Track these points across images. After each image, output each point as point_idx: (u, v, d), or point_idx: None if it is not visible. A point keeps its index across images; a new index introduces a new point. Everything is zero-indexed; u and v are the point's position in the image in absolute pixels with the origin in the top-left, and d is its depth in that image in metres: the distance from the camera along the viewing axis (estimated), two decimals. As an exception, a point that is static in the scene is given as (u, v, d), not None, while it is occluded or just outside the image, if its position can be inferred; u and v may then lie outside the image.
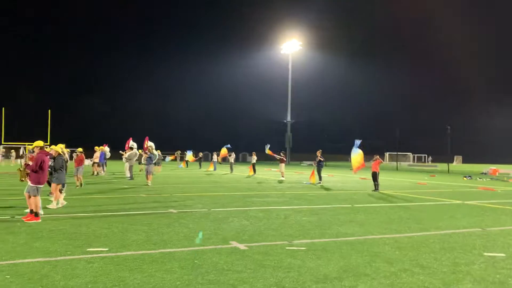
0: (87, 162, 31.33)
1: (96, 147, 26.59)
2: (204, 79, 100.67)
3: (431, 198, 15.78)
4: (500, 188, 21.98)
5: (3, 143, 53.17)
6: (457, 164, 76.21)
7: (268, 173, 31.38)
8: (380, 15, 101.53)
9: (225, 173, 31.13)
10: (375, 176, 18.25)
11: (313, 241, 7.58)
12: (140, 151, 25.31)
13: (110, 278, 5.24)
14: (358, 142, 20.11)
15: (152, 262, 5.96)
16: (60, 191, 11.25)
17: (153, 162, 20.32)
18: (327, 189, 19.19)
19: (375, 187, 18.08)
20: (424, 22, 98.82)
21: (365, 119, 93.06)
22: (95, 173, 25.79)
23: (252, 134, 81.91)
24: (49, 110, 49.71)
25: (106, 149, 27.51)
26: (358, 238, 7.98)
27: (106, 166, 27.93)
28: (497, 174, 33.23)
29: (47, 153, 10.00)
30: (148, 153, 20.10)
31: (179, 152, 53.86)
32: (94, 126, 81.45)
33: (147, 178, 18.96)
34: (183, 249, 6.80)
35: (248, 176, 27.39)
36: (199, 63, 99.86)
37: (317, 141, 64.29)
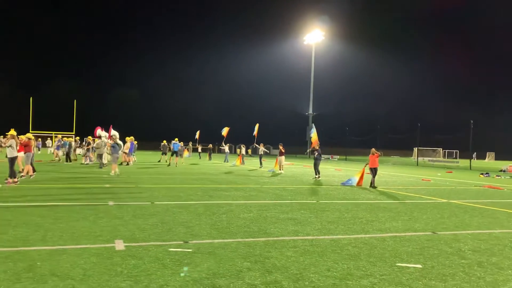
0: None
1: (127, 138, 27.12)
2: (224, 71, 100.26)
3: (419, 196, 14.49)
4: (510, 187, 20.26)
5: (31, 131, 54.35)
6: (488, 160, 72.84)
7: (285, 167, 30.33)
8: (404, 3, 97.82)
9: (253, 168, 30.35)
10: (373, 172, 16.99)
11: (213, 241, 6.66)
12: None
13: None
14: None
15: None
16: None
17: (118, 151, 19.98)
18: (318, 183, 18.09)
19: (372, 183, 16.87)
20: (453, 11, 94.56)
21: (389, 111, 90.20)
22: (125, 163, 26.44)
23: (274, 127, 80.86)
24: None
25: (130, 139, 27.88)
26: (271, 239, 6.99)
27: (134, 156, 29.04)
28: (516, 172, 31.00)
29: None
30: (112, 142, 19.99)
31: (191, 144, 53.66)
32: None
33: (112, 167, 18.72)
34: (45, 247, 6.01)
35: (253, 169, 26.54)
36: (220, 54, 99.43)
37: (340, 134, 62.68)
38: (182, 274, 4.99)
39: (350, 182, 17.97)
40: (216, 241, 6.72)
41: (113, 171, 18.40)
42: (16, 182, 13.69)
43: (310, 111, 65.63)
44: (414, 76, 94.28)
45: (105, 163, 23.06)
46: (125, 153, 26.70)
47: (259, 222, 8.47)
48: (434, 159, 55.70)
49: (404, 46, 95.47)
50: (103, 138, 23.49)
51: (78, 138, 35.61)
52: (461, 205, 12.33)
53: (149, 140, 71.12)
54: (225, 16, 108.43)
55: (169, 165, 28.20)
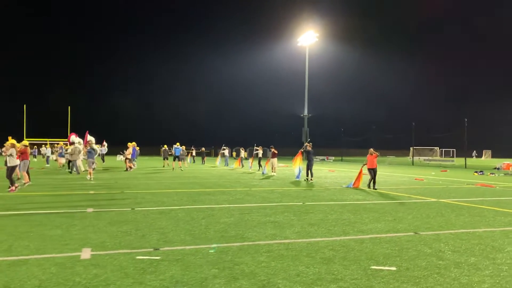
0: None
1: (129, 143, 27.10)
2: (219, 73, 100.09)
3: (408, 195, 14.31)
4: (503, 184, 20.11)
5: (25, 139, 54.07)
6: (485, 158, 72.69)
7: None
8: (397, 5, 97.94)
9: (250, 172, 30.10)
10: (372, 173, 16.39)
11: (184, 248, 6.45)
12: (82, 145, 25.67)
13: None
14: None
15: None
16: None
17: (94, 156, 20.42)
18: (309, 185, 17.88)
19: (370, 184, 16.36)
20: (443, 13, 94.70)
21: (385, 111, 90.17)
22: (128, 168, 26.41)
23: (269, 128, 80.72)
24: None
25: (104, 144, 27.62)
26: (246, 243, 6.78)
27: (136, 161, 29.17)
28: (510, 169, 30.84)
29: None
30: (88, 147, 20.31)
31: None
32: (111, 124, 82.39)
33: (88, 172, 19.20)
34: (8, 258, 5.80)
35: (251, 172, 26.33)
36: (214, 56, 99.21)
37: (335, 135, 62.54)
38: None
39: (350, 184, 17.34)
40: (188, 247, 6.51)
41: (89, 176, 18.88)
42: (17, 187, 13.95)
43: (305, 113, 65.48)
44: (409, 75, 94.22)
45: (83, 169, 23.07)
46: (128, 158, 26.79)
47: (238, 226, 8.27)
48: (430, 158, 55.56)
49: (398, 47, 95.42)
50: (76, 145, 23.52)
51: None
52: (450, 204, 12.15)
53: (145, 145, 70.89)
54: (218, 20, 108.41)
55: (173, 169, 27.99)
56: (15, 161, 13.96)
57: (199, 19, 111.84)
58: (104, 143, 35.57)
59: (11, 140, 14.44)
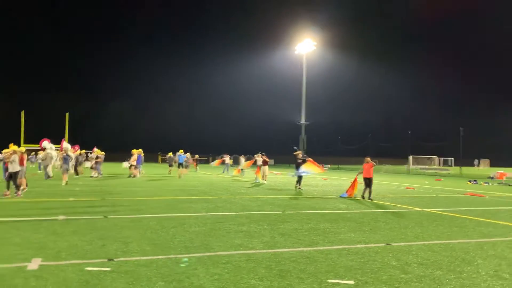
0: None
1: (134, 150, 26.82)
2: (216, 81, 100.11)
3: (393, 205, 14.07)
4: (494, 194, 19.85)
5: (23, 145, 53.83)
6: (482, 167, 72.25)
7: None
8: (395, 13, 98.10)
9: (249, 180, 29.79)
10: (368, 182, 15.52)
11: (140, 258, 6.21)
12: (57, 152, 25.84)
13: None
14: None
15: None
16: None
17: (69, 162, 20.91)
18: (297, 193, 17.63)
19: (365, 194, 15.40)
20: (441, 20, 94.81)
21: (383, 119, 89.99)
22: (132, 175, 26.34)
23: (266, 136, 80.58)
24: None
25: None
26: (208, 254, 6.54)
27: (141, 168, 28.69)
28: (504, 179, 30.55)
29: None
30: (64, 154, 20.74)
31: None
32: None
33: (63, 178, 19.79)
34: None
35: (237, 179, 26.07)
36: (211, 64, 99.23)
37: (332, 143, 62.31)
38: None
39: (344, 194, 16.45)
40: (144, 258, 6.27)
41: (63, 182, 19.37)
42: (7, 195, 14.14)
43: (303, 120, 65.22)
44: (407, 84, 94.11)
45: (51, 175, 23.30)
46: (133, 165, 26.74)
47: (207, 236, 8.02)
48: (426, 166, 55.25)
49: (395, 55, 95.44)
50: (48, 150, 23.50)
51: (84, 151, 34.64)
52: (433, 214, 11.90)
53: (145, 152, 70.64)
54: (216, 27, 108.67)
55: (179, 177, 27.47)
56: (16, 167, 14.22)
57: (197, 27, 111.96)
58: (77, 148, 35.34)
59: (13, 147, 14.88)
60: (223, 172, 35.23)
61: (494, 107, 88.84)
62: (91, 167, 27.20)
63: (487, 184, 27.33)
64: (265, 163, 25.01)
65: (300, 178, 19.93)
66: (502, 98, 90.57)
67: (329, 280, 5.34)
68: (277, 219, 10.33)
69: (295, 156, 20.88)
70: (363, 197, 15.47)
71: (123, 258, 6.20)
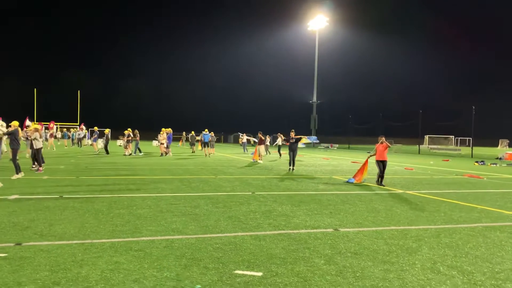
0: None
1: (163, 129, 27.20)
2: (226, 58, 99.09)
3: (378, 186, 13.41)
4: (495, 175, 18.94)
5: (35, 122, 54.35)
6: (501, 148, 70.23)
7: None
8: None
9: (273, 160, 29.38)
10: (381, 166, 13.62)
11: (52, 243, 5.76)
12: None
13: None
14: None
15: None
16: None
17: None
18: (286, 174, 17.06)
19: (379, 180, 13.57)
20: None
21: (397, 98, 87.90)
22: (163, 153, 27.06)
23: (278, 115, 79.68)
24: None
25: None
26: (128, 239, 6.06)
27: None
28: (513, 159, 29.32)
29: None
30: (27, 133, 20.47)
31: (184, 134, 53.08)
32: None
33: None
34: None
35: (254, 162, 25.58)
36: (221, 40, 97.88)
37: (344, 122, 61.20)
38: None
39: (352, 180, 14.40)
40: (55, 243, 5.82)
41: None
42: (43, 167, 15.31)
43: (314, 99, 64.16)
44: (423, 61, 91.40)
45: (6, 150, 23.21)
46: (162, 144, 27.15)
47: (145, 219, 7.52)
48: (437, 146, 53.81)
49: (410, 31, 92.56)
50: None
51: (96, 128, 34.37)
52: (412, 196, 11.21)
53: (154, 130, 70.78)
54: (228, 3, 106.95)
55: (206, 155, 27.74)
56: (38, 144, 15.24)
57: (204, 4, 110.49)
58: (82, 126, 35.30)
59: (35, 125, 16.19)
60: (245, 152, 35.19)
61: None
62: (125, 146, 26.93)
63: (494, 165, 26.25)
64: (260, 142, 24.43)
65: (293, 159, 19.18)
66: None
67: (236, 271, 4.79)
68: (240, 200, 9.80)
69: (289, 138, 19.97)
70: (377, 183, 13.61)
71: (32, 243, 5.76)
